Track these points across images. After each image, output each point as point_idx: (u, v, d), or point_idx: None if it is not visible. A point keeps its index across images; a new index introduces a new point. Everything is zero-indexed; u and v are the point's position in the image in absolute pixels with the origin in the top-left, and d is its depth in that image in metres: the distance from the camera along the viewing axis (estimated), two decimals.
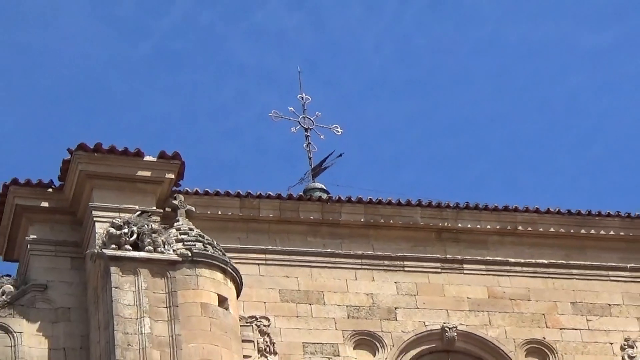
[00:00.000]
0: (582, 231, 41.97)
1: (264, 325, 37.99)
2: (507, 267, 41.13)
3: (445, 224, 41.18)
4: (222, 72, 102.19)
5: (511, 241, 41.80)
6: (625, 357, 39.21)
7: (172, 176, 38.64)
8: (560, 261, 41.54)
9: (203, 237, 37.40)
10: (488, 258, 40.98)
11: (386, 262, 40.28)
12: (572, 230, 41.95)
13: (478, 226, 41.28)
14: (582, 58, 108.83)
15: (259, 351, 37.60)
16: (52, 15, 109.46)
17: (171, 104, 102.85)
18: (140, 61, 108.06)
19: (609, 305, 41.01)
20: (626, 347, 39.22)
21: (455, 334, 38.88)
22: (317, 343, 38.58)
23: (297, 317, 38.95)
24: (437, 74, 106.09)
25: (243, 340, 37.10)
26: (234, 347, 35.95)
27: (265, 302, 38.80)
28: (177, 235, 37.40)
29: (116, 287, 35.00)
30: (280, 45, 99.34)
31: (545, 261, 41.29)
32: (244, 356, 36.57)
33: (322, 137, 49.12)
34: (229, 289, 37.09)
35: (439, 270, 40.45)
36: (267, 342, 38.02)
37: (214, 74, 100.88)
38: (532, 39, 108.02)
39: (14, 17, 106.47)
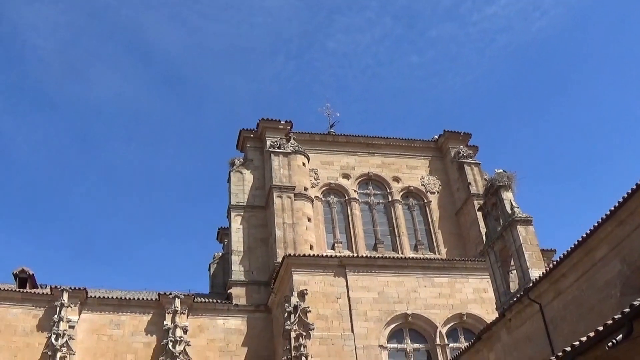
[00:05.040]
0: (400, 144, 54.95)
1: (315, 172, 51.23)
2: (377, 156, 53.81)
3: (367, 142, 54.02)
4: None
5: (380, 147, 54.43)
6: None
7: (289, 127, 51.68)
8: (395, 152, 54.53)
9: (299, 146, 50.54)
10: (378, 152, 54.11)
11: (351, 151, 53.52)
12: (398, 144, 54.65)
13: (375, 142, 54.20)
14: None
15: (314, 179, 50.77)
16: None
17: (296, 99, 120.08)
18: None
19: (414, 167, 53.93)
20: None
21: (369, 171, 52.63)
22: (332, 176, 51.47)
23: (325, 170, 51.75)
24: None
25: (310, 176, 50.56)
26: (307, 177, 49.72)
27: (315, 165, 51.56)
28: (291, 143, 50.51)
29: (272, 160, 48.67)
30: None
31: (389, 153, 54.14)
32: (311, 181, 50.21)
33: (337, 114, 59.27)
34: (305, 160, 50.21)
35: (367, 155, 53.72)
36: (316, 176, 51.24)
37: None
38: None
39: None
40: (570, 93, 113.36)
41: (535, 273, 27.02)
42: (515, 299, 27.04)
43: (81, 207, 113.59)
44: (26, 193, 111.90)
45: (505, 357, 27.52)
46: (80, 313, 41.81)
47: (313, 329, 37.54)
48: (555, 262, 24.83)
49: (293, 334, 37.10)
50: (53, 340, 39.21)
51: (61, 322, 40.05)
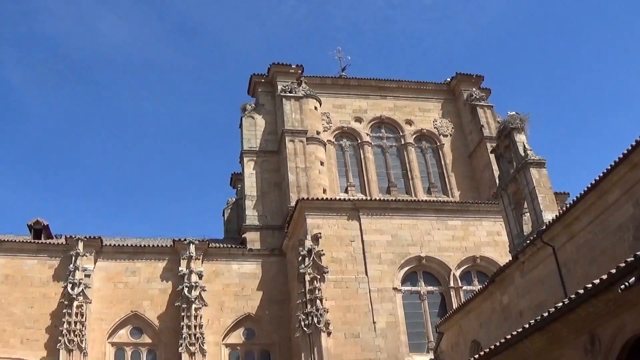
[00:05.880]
0: (412, 87, 54.77)
1: (327, 116, 51.15)
2: (389, 99, 53.81)
3: (379, 85, 53.84)
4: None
5: (392, 90, 54.53)
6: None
7: (300, 71, 51.58)
8: (407, 95, 54.50)
9: (311, 90, 50.73)
10: (391, 95, 54.00)
11: (363, 95, 53.49)
12: (410, 87, 54.47)
13: (387, 85, 54.06)
14: None
15: (327, 123, 50.87)
16: None
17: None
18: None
19: (427, 110, 53.88)
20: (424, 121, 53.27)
21: (381, 115, 52.88)
22: (344, 120, 51.79)
23: (337, 113, 51.98)
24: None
25: (322, 120, 50.59)
26: (319, 121, 49.97)
27: (326, 109, 51.41)
28: (303, 87, 50.38)
29: (283, 105, 49.25)
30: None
31: (401, 96, 54.18)
32: (323, 125, 50.25)
33: (348, 58, 60.44)
34: (317, 104, 50.35)
35: (379, 98, 53.54)
36: (328, 120, 51.22)
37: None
38: None
39: None
40: (586, 35, 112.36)
41: (548, 216, 26.98)
42: (528, 241, 27.08)
43: (94, 156, 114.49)
44: (38, 144, 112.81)
45: (519, 299, 27.80)
46: (95, 261, 42.57)
47: (327, 272, 37.93)
48: (568, 205, 24.84)
49: (307, 277, 37.52)
50: (69, 290, 39.95)
51: (77, 271, 40.79)
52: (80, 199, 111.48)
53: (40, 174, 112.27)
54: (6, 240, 43.13)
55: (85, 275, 41.06)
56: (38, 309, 40.75)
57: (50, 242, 44.39)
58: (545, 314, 15.25)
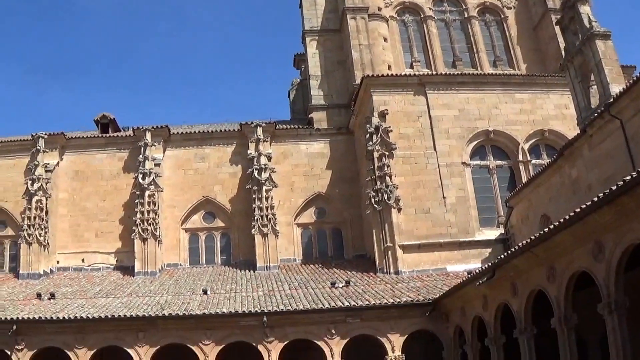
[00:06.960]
0: None
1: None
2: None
3: None
4: None
5: None
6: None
7: None
8: None
9: None
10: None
11: None
12: None
13: None
14: None
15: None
16: None
17: None
18: None
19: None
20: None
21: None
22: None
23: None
24: None
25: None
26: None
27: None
28: None
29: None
30: None
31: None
32: (384, 1, 48.74)
33: None
34: None
35: None
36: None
37: None
38: None
39: None
40: None
41: (615, 88, 26.97)
42: (596, 114, 27.22)
43: (155, 47, 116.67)
44: (98, 40, 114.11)
45: (587, 173, 28.30)
46: (164, 150, 44.04)
47: (395, 149, 38.80)
48: (635, 78, 24.76)
49: (376, 154, 38.53)
50: (140, 180, 41.62)
51: (146, 161, 42.38)
52: (145, 90, 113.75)
53: (103, 69, 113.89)
54: (74, 137, 44.71)
55: (155, 165, 42.61)
56: (110, 201, 42.81)
57: (118, 135, 45.85)
58: (614, 187, 15.34)
